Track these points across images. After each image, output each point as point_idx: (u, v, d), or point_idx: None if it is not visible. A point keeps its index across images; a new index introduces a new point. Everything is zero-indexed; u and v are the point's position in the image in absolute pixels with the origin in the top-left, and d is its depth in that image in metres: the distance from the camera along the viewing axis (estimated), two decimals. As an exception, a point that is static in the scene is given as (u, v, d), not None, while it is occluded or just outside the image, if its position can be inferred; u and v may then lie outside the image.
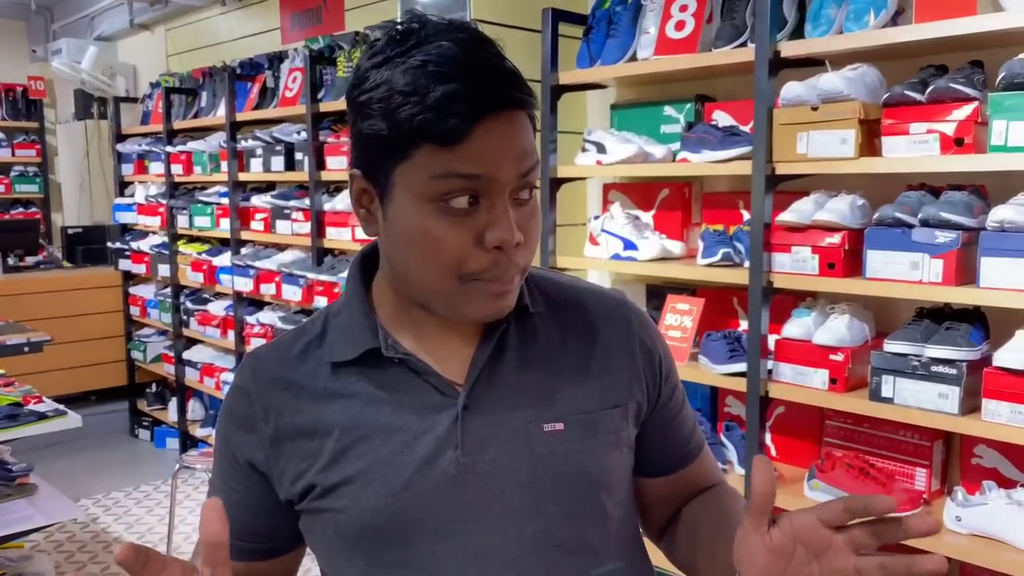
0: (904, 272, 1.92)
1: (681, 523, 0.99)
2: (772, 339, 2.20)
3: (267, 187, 4.09)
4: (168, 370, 4.87)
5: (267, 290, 3.86)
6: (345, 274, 3.33)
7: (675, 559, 1.01)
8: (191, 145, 4.46)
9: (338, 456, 0.85)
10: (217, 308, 4.36)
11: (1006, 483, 1.96)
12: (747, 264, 2.21)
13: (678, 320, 2.45)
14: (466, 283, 0.79)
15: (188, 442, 4.69)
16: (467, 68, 0.75)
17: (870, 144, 2.01)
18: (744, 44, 2.24)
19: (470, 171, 0.76)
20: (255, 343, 4.00)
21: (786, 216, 2.12)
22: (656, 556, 1.01)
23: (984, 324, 1.94)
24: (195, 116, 4.55)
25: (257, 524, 0.91)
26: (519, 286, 0.84)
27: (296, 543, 0.93)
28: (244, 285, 4.01)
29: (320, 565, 0.93)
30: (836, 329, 2.09)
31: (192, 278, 4.50)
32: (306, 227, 3.61)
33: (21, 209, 6.53)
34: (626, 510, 0.93)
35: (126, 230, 5.29)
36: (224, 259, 4.23)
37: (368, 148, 0.80)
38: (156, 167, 4.85)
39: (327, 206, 3.50)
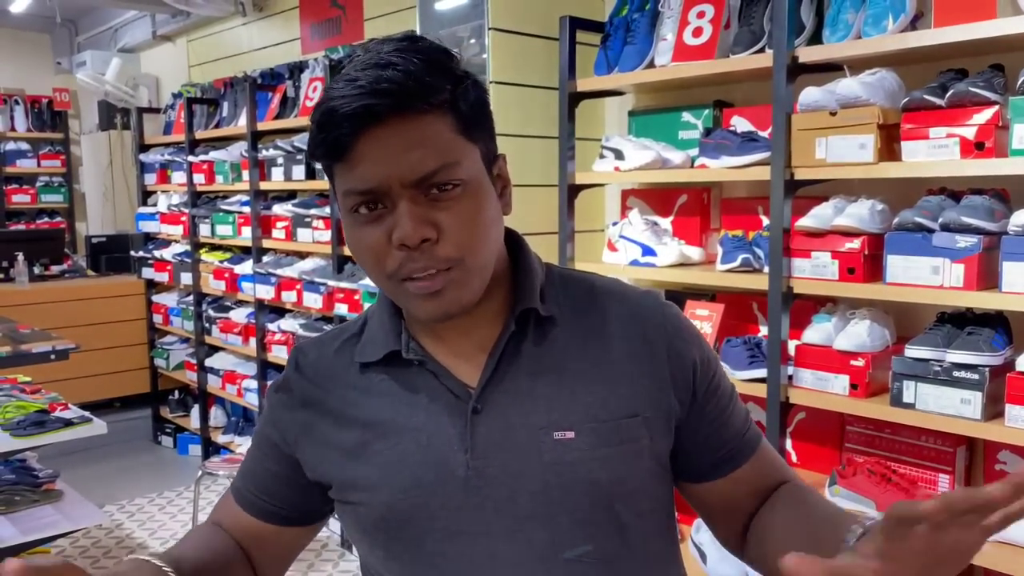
0: (925, 277, 1.91)
1: (767, 529, 0.91)
2: (792, 345, 2.20)
3: (288, 196, 4.12)
4: (190, 377, 4.92)
5: (288, 297, 3.90)
6: (365, 281, 3.36)
7: (767, 569, 0.91)
8: (213, 154, 4.51)
9: (358, 451, 0.89)
10: (239, 316, 4.40)
11: (1031, 489, 1.94)
12: (766, 269, 2.20)
13: (697, 326, 2.44)
14: (397, 284, 0.82)
15: (210, 448, 4.74)
16: (349, 84, 0.78)
17: (889, 149, 2.00)
18: (762, 50, 2.24)
19: (360, 187, 0.80)
20: (276, 350, 4.04)
21: (805, 221, 2.12)
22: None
23: (1007, 329, 1.93)
24: (217, 126, 4.60)
25: (282, 492, 0.97)
26: (464, 283, 0.82)
27: (313, 520, 0.99)
28: (265, 293, 4.04)
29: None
30: (857, 334, 2.08)
31: (214, 286, 4.54)
32: (327, 235, 3.64)
33: (46, 219, 6.62)
34: (652, 523, 0.91)
35: (149, 239, 5.36)
36: (246, 267, 4.27)
37: (326, 175, 0.86)
38: (178, 176, 4.90)
39: (347, 214, 3.53)
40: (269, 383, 1.12)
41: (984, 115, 1.84)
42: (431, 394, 0.88)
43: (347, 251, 3.54)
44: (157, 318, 5.28)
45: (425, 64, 0.79)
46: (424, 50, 0.80)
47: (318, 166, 3.58)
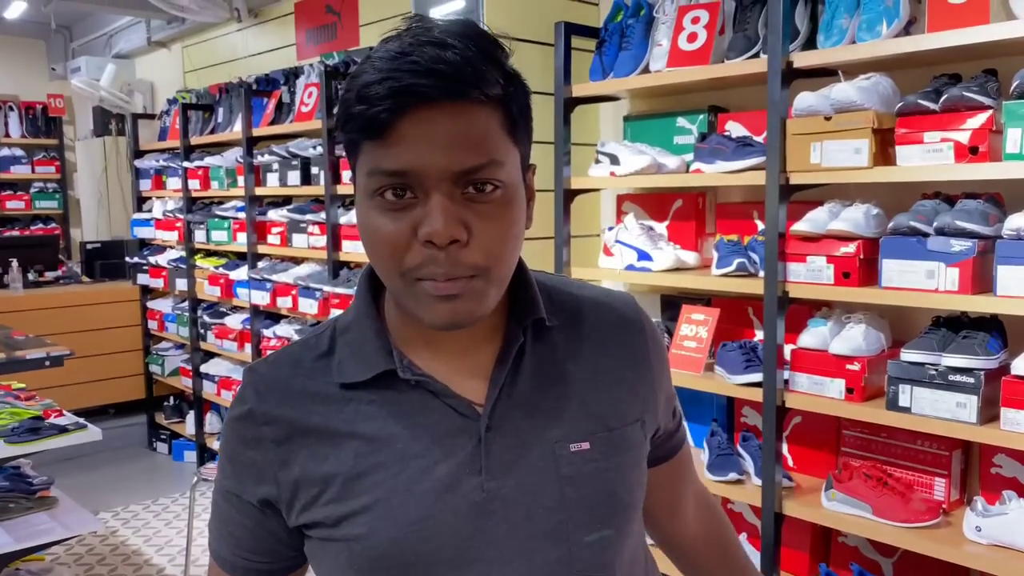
0: (920, 281, 1.92)
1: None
2: (788, 349, 2.20)
3: (283, 201, 4.12)
4: (186, 383, 4.91)
5: (284, 303, 3.89)
6: (361, 287, 3.35)
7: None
8: (208, 160, 4.50)
9: (351, 483, 0.80)
10: (234, 321, 4.39)
11: (1026, 493, 1.94)
12: (762, 274, 2.21)
13: (693, 330, 2.45)
14: (410, 283, 0.75)
15: (206, 455, 4.72)
16: (402, 59, 0.71)
17: (884, 153, 2.01)
18: (756, 55, 2.24)
19: (393, 167, 0.73)
20: (272, 356, 4.02)
21: (801, 226, 2.12)
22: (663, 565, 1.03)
23: (1001, 332, 1.93)
24: (212, 132, 4.60)
25: (261, 545, 0.87)
26: (482, 294, 0.76)
27: (300, 563, 0.89)
28: (261, 298, 4.03)
29: None
30: (852, 338, 2.08)
31: (209, 292, 4.53)
32: (322, 240, 3.64)
33: (41, 225, 6.61)
34: (641, 524, 0.92)
35: (144, 245, 5.35)
36: (241, 273, 4.26)
37: (345, 152, 0.80)
38: (173, 182, 4.90)
39: (343, 219, 3.53)
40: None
41: (978, 119, 1.85)
42: (434, 415, 0.81)
43: (343, 256, 3.55)
44: (152, 324, 5.27)
45: (483, 53, 0.73)
46: (482, 38, 0.74)
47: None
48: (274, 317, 4.15)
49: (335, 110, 0.78)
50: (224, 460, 0.87)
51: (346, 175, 3.48)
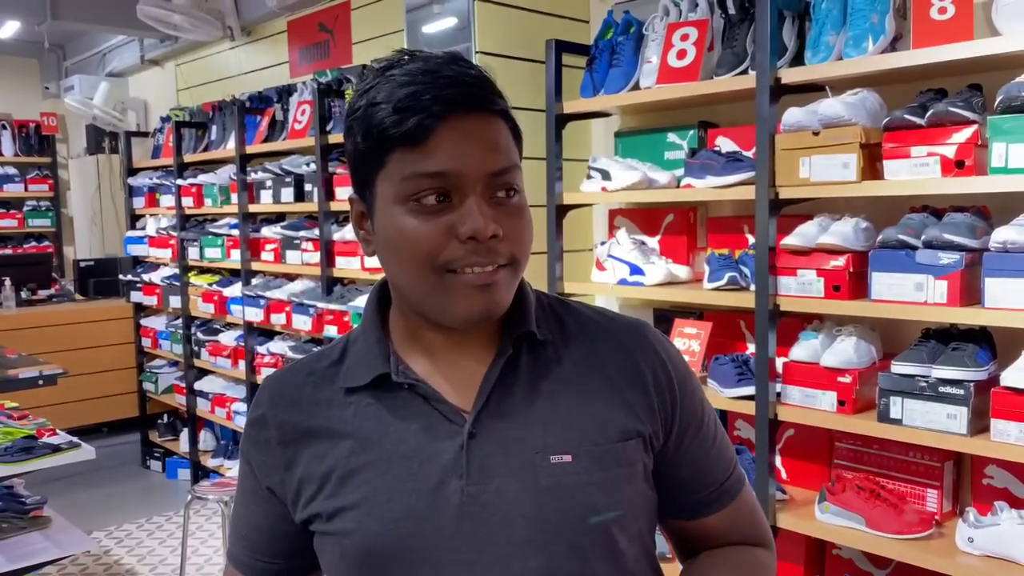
0: (909, 293, 1.94)
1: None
2: (780, 362, 2.21)
3: (277, 218, 4.13)
4: (179, 401, 4.89)
5: (277, 320, 3.89)
6: (355, 302, 3.36)
7: None
8: (201, 178, 4.51)
9: (344, 479, 0.85)
10: (228, 338, 4.39)
11: (1018, 503, 1.95)
12: (753, 287, 2.22)
13: (686, 344, 2.46)
14: (444, 276, 0.80)
15: (200, 473, 4.70)
16: (432, 75, 0.80)
17: (872, 167, 2.03)
18: (745, 71, 2.27)
19: (435, 169, 0.79)
20: (266, 373, 4.02)
21: (790, 240, 2.14)
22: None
23: (990, 344, 1.95)
24: (205, 149, 4.61)
25: (276, 545, 0.93)
26: (509, 284, 0.83)
27: (315, 564, 0.94)
28: (254, 315, 4.03)
29: None
30: (843, 351, 2.10)
31: (203, 309, 4.53)
32: (316, 257, 3.64)
33: (34, 243, 6.60)
34: (643, 548, 0.90)
35: (137, 262, 5.34)
36: (234, 290, 4.26)
37: (355, 166, 0.85)
38: (167, 200, 4.90)
39: (336, 236, 3.54)
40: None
41: (963, 134, 1.87)
42: (423, 419, 0.85)
43: (336, 272, 3.56)
44: (146, 342, 5.25)
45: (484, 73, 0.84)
46: (473, 66, 0.84)
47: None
48: (268, 334, 4.15)
49: (354, 124, 0.83)
50: (242, 462, 0.94)
51: (340, 192, 3.49)
